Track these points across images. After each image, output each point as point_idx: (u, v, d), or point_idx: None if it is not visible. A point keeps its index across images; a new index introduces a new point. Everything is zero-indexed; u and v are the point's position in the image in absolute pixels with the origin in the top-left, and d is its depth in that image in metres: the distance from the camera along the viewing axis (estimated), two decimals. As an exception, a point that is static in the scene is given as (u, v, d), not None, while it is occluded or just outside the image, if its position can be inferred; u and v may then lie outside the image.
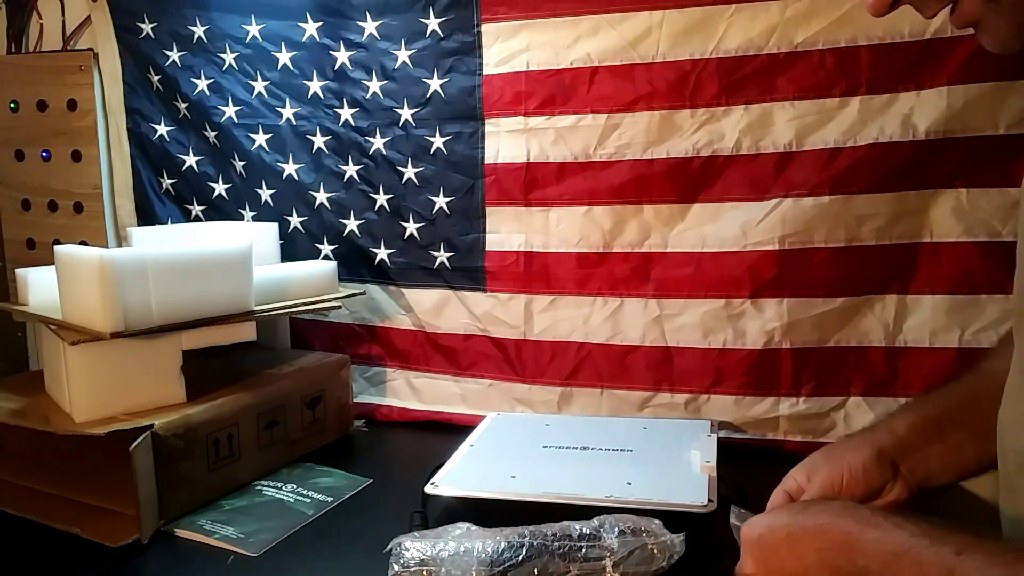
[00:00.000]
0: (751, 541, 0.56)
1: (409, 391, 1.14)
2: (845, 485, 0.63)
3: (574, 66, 0.98)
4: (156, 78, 1.18)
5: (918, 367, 0.90)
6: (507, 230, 1.05)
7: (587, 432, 0.94)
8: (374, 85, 1.08)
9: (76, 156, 1.23)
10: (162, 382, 0.83)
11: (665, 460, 0.84)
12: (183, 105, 1.17)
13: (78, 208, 1.24)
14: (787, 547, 0.52)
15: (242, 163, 1.17)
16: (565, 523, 0.65)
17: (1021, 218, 0.53)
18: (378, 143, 1.09)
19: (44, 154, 1.24)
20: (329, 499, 0.84)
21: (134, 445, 0.72)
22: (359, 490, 0.87)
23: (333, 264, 1.08)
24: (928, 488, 0.66)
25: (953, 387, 0.68)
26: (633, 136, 0.97)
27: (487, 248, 1.06)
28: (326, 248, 1.15)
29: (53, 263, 0.86)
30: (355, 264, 1.14)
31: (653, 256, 0.99)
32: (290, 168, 1.15)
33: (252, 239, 0.90)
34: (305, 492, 0.86)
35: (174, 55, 1.15)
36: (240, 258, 0.88)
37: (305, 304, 0.99)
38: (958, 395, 0.66)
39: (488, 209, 1.06)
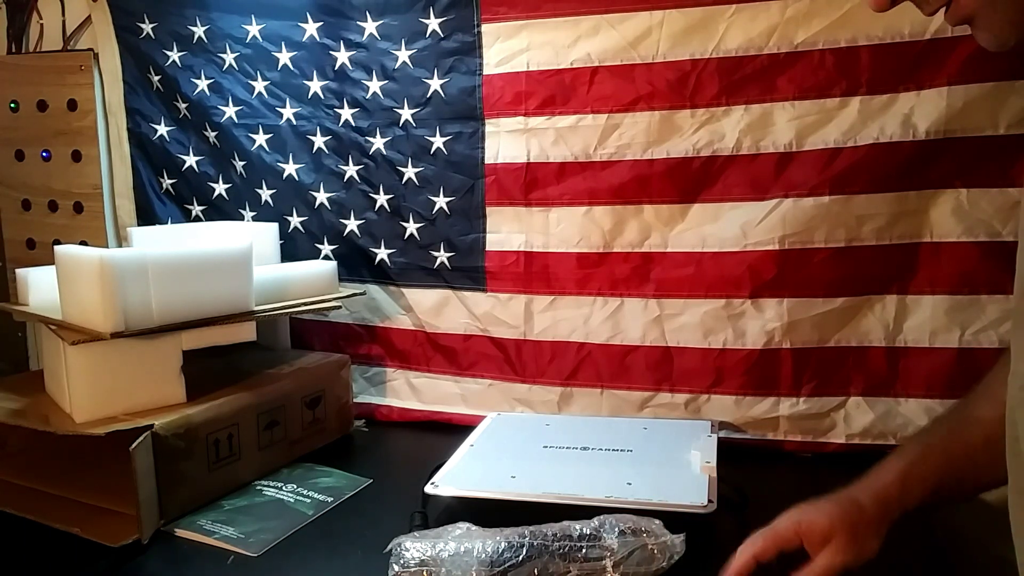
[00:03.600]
0: None
1: (409, 391, 1.14)
2: (842, 554, 0.60)
3: (574, 66, 0.98)
4: (156, 78, 1.18)
5: (918, 367, 0.90)
6: (507, 230, 1.05)
7: (587, 432, 0.94)
8: (374, 85, 1.08)
9: (76, 156, 1.23)
10: (162, 382, 0.83)
11: (665, 460, 0.84)
12: (183, 105, 1.17)
13: (78, 208, 1.24)
14: None
15: (242, 163, 1.17)
16: (565, 523, 0.65)
17: (1022, 219, 0.53)
18: (378, 143, 1.09)
19: (44, 154, 1.24)
20: (329, 499, 0.84)
21: (134, 445, 0.72)
22: (359, 490, 0.87)
23: (333, 264, 1.09)
24: None
25: (950, 438, 0.65)
26: (633, 136, 0.97)
27: (487, 248, 1.06)
28: (326, 248, 1.15)
29: (53, 263, 0.86)
30: (355, 264, 1.14)
31: (653, 256, 0.99)
32: (290, 168, 1.15)
33: (252, 239, 0.90)
34: (305, 492, 0.86)
35: (174, 55, 1.15)
36: (240, 258, 0.88)
37: (305, 304, 0.99)
38: (951, 450, 0.63)
39: (488, 209, 1.06)
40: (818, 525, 0.61)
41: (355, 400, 1.10)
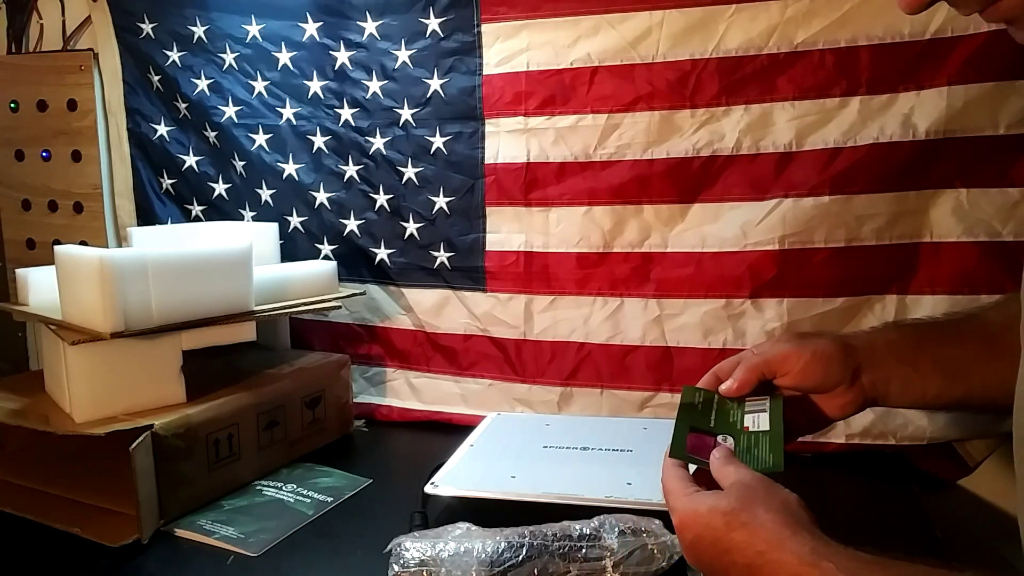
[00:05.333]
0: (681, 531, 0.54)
1: (409, 391, 1.14)
2: (802, 365, 0.63)
3: (574, 66, 0.98)
4: (156, 78, 1.18)
5: (918, 367, 0.90)
6: (507, 230, 1.05)
7: (587, 432, 0.93)
8: (374, 85, 1.08)
9: (76, 156, 1.23)
10: (162, 382, 0.83)
11: (665, 460, 0.83)
12: (183, 105, 1.17)
13: (78, 208, 1.24)
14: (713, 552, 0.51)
15: (242, 163, 1.17)
16: (565, 523, 0.65)
17: None
18: (378, 143, 1.09)
19: (44, 154, 1.24)
20: (329, 499, 0.84)
21: (134, 445, 0.72)
22: (359, 490, 0.87)
23: (333, 264, 1.08)
24: (878, 406, 0.66)
25: (941, 322, 0.69)
26: (633, 136, 0.97)
27: (487, 248, 1.06)
28: (326, 248, 1.15)
29: (53, 263, 0.86)
30: (355, 264, 1.14)
31: (653, 256, 0.99)
32: (290, 168, 1.15)
33: (252, 239, 0.90)
34: (305, 492, 0.86)
35: (174, 55, 1.15)
36: (240, 258, 0.88)
37: (305, 304, 0.99)
38: (943, 330, 0.67)
39: (488, 209, 1.06)
40: (767, 341, 0.66)
41: (355, 400, 1.10)
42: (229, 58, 1.14)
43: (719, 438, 0.61)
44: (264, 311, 0.91)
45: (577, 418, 1.03)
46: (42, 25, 1.24)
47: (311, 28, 1.09)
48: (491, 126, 1.03)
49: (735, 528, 0.49)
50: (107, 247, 1.23)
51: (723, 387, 0.65)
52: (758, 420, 0.62)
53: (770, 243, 0.93)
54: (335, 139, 1.12)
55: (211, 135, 1.17)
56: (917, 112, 0.86)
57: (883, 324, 0.71)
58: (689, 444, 0.61)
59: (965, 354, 0.63)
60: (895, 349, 0.64)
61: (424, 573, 0.62)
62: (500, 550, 0.62)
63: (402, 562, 0.62)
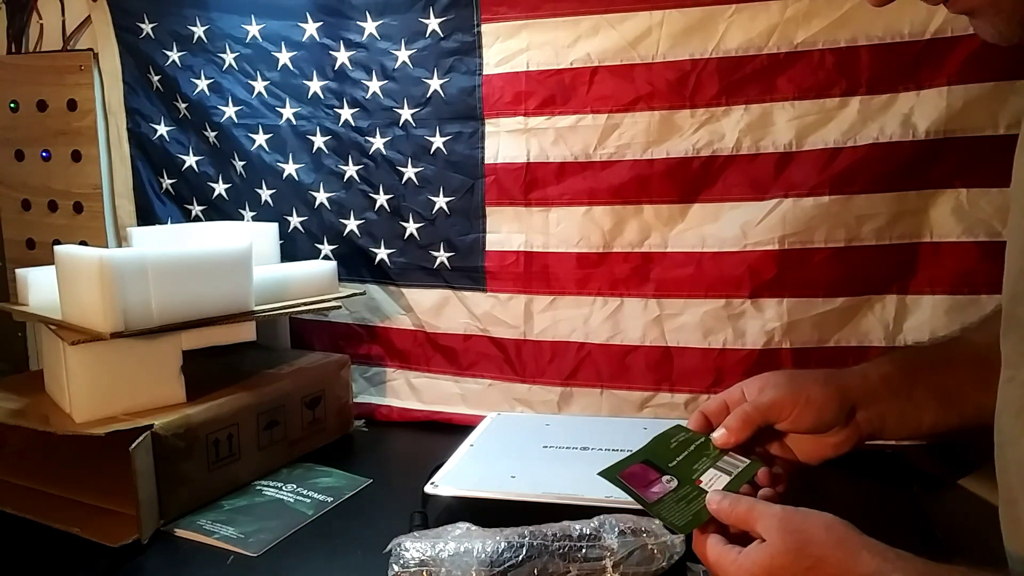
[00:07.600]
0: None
1: (409, 391, 1.14)
2: (795, 413, 0.64)
3: (574, 66, 0.98)
4: (156, 78, 1.18)
5: (918, 367, 0.90)
6: (507, 230, 1.05)
7: (587, 432, 0.93)
8: (374, 85, 1.08)
9: (76, 156, 1.23)
10: (162, 382, 0.83)
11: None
12: (183, 105, 1.17)
13: (78, 208, 1.24)
14: None
15: (242, 163, 1.17)
16: (565, 523, 0.65)
17: (1011, 220, 0.53)
18: (378, 143, 1.09)
19: (44, 154, 1.24)
20: (329, 499, 0.84)
21: (134, 445, 0.72)
22: (359, 490, 0.87)
23: (333, 264, 1.08)
24: (874, 440, 0.66)
25: (933, 348, 0.70)
26: (633, 136, 0.97)
27: (487, 248, 1.06)
28: (326, 248, 1.16)
29: (53, 263, 0.86)
30: (355, 264, 1.14)
31: (653, 256, 0.99)
32: (290, 168, 1.15)
33: (252, 239, 0.90)
34: (305, 492, 0.86)
35: (174, 55, 1.15)
36: (240, 258, 0.88)
37: (305, 304, 0.99)
38: (936, 357, 0.67)
39: (488, 209, 1.06)
40: (758, 379, 0.66)
41: (355, 400, 1.10)
42: (229, 58, 1.14)
43: (664, 478, 0.61)
44: (264, 311, 0.91)
45: (577, 418, 1.03)
46: (42, 25, 1.24)
47: (311, 28, 1.09)
48: (491, 126, 1.03)
49: (800, 574, 0.50)
50: (107, 247, 1.23)
51: (716, 437, 0.64)
52: (716, 480, 0.61)
53: (770, 243, 0.93)
54: (335, 139, 1.12)
55: (211, 135, 1.17)
56: (917, 112, 0.86)
57: (878, 357, 0.71)
58: (627, 471, 0.61)
59: (958, 379, 0.63)
60: (889, 383, 0.65)
61: (424, 573, 0.62)
62: (500, 550, 0.62)
63: (402, 562, 0.62)
